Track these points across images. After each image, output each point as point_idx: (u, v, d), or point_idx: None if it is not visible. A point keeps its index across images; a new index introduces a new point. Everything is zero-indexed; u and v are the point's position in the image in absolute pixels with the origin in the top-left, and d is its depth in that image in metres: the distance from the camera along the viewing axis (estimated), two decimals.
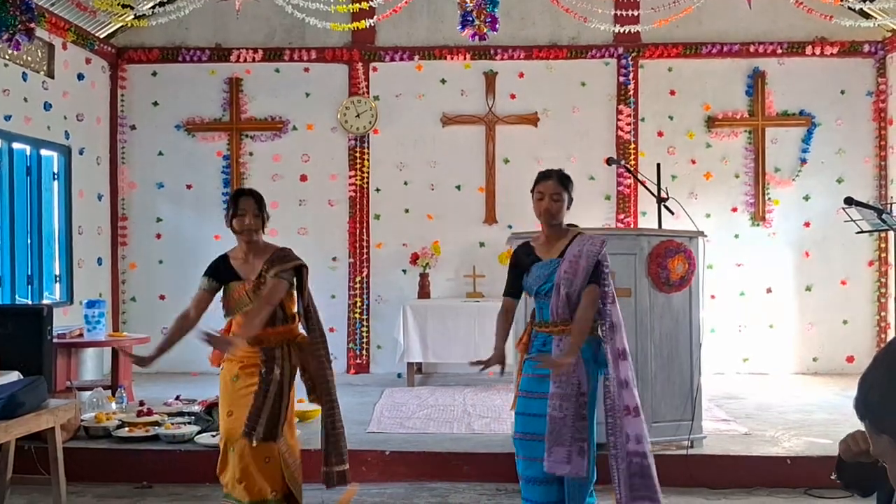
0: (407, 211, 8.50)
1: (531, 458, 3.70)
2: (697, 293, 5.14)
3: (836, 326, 8.32)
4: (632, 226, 8.15)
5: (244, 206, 3.96)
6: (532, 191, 3.84)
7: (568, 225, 3.87)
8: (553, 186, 3.79)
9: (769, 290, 8.36)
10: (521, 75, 8.47)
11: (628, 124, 8.37)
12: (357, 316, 8.42)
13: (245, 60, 8.47)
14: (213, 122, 8.53)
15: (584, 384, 3.64)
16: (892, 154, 8.26)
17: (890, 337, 7.98)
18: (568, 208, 3.88)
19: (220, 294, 4.01)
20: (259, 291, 3.89)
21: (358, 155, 8.46)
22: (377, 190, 8.50)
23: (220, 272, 3.99)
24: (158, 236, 8.54)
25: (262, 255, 3.99)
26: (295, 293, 4.01)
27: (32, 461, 4.74)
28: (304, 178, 8.48)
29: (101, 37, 8.21)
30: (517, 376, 3.89)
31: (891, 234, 6.99)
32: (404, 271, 8.42)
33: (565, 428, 3.60)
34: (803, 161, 8.36)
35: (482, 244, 8.41)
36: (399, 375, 7.91)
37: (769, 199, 8.38)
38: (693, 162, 8.41)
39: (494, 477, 4.98)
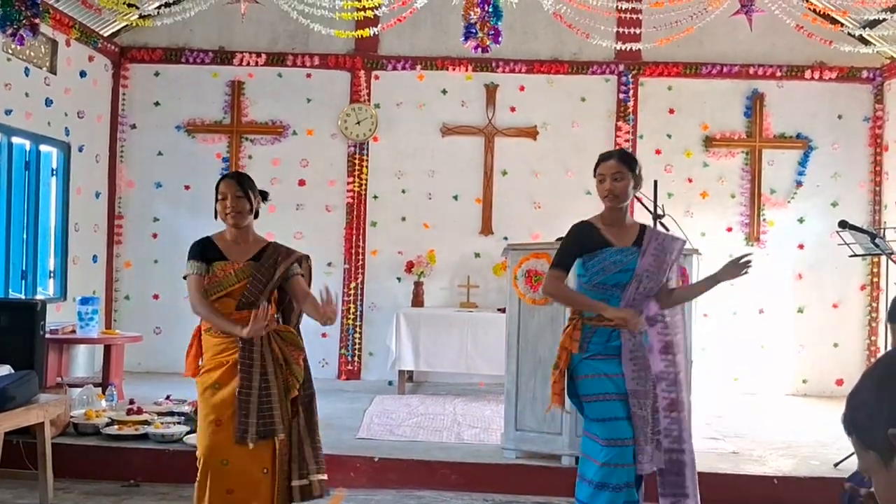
0: (404, 219, 8.52)
1: (620, 465, 3.43)
2: (690, 311, 5.16)
3: (826, 349, 8.34)
4: None
5: (224, 189, 3.65)
6: (594, 174, 3.67)
7: None
8: (614, 166, 3.60)
9: (761, 311, 8.39)
10: (522, 89, 8.52)
11: (627, 141, 8.41)
12: (350, 322, 8.42)
13: (248, 64, 8.49)
14: (213, 124, 8.55)
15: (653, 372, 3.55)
16: (886, 179, 8.32)
17: None
18: (636, 188, 3.69)
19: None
20: (256, 274, 3.60)
21: (357, 162, 8.48)
22: (375, 197, 8.52)
23: (207, 253, 3.66)
24: (155, 236, 8.54)
25: (256, 243, 3.71)
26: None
27: (20, 455, 4.73)
28: (302, 182, 8.50)
29: (105, 35, 8.23)
30: (559, 376, 3.57)
31: (883, 258, 7.03)
32: (399, 279, 8.43)
33: (647, 425, 3.48)
34: (799, 184, 8.41)
35: (477, 255, 8.43)
36: (390, 383, 7.91)
37: (764, 220, 8.42)
38: (690, 180, 8.45)
39: (482, 486, 5.00)
